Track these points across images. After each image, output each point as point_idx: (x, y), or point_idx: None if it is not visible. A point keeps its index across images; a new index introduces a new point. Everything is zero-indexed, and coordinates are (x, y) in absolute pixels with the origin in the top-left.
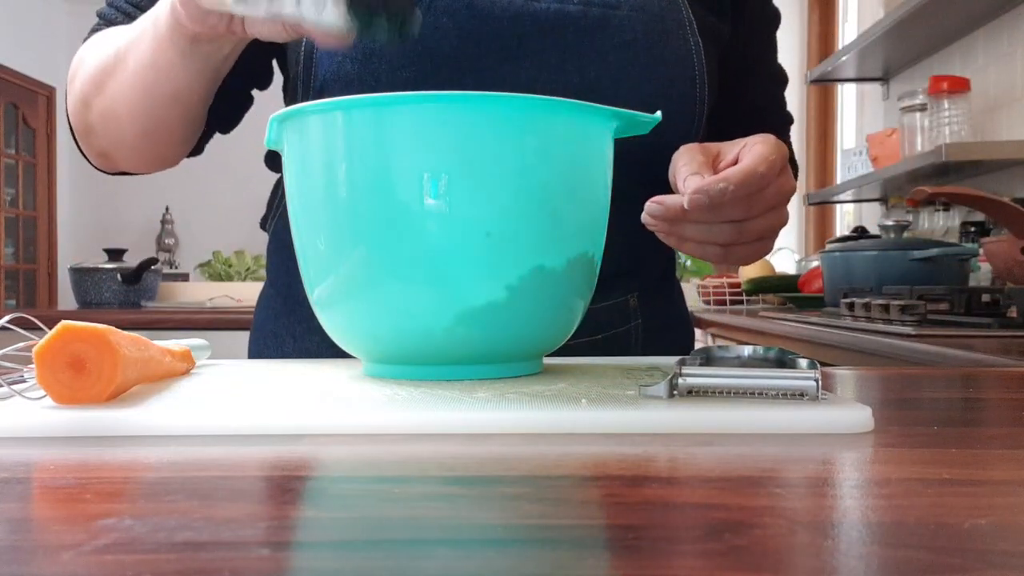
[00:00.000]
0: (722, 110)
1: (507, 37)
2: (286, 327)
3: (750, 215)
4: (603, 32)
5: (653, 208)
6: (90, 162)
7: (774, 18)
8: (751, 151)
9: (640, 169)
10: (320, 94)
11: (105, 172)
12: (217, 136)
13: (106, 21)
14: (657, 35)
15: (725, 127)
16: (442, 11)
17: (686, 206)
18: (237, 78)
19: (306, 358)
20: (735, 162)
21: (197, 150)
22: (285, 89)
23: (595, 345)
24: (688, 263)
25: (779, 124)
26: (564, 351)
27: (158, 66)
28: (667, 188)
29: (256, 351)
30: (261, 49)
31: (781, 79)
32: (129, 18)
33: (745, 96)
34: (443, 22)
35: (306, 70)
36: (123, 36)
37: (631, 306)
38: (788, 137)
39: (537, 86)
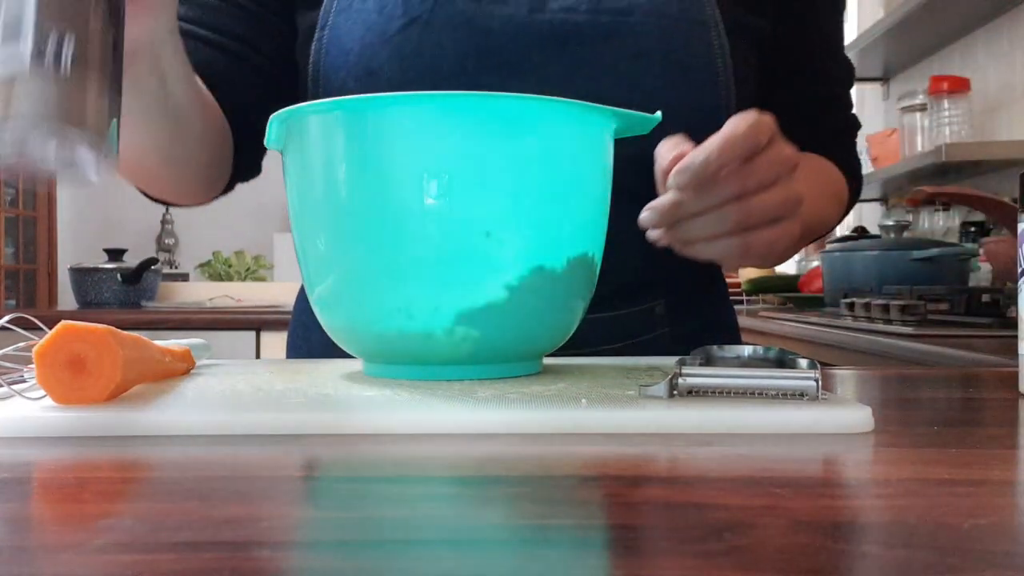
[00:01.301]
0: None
1: (510, 52)
2: None
3: (747, 188)
4: (614, 42)
5: (646, 216)
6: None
7: (834, 3)
8: (728, 122)
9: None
10: None
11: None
12: None
13: None
14: (675, 41)
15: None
16: (441, 28)
17: (670, 183)
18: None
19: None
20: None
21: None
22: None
23: (619, 353)
24: None
25: (842, 127)
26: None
27: None
28: None
29: (295, 343)
30: (286, 46)
31: (842, 74)
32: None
33: (803, 94)
34: (443, 39)
35: (314, 83)
36: None
37: (656, 314)
38: (853, 144)
39: None
